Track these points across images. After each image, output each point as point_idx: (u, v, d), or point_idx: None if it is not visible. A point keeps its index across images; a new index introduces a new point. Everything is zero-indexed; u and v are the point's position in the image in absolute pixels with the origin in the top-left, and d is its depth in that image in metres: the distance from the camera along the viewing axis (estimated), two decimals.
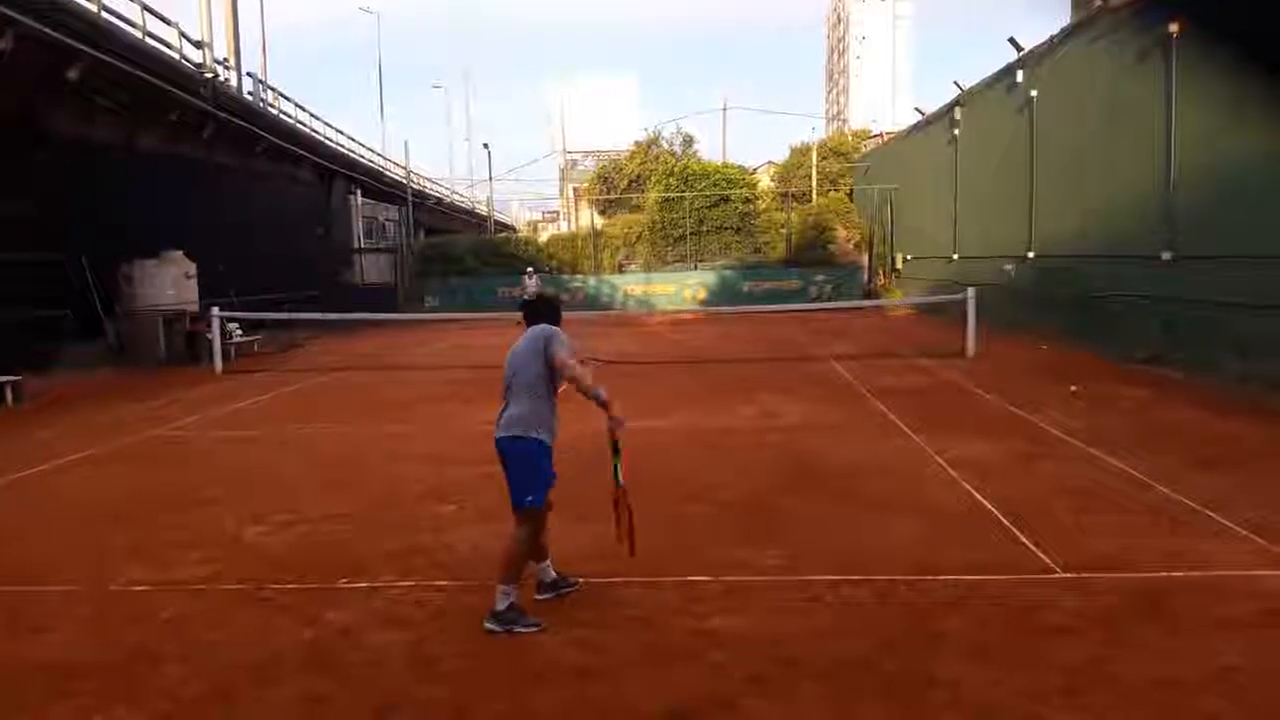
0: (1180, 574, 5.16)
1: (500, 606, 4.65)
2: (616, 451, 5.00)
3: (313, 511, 6.92)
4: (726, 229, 33.46)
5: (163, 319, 18.26)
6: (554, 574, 5.09)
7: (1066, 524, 6.14)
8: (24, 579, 5.62)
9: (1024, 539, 5.81)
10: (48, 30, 15.01)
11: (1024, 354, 15.72)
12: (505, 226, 61.55)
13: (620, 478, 5.00)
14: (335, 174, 33.94)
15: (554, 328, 4.92)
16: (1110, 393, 11.50)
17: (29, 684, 4.21)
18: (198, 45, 22.48)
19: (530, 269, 30.16)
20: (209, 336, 17.08)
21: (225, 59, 25.74)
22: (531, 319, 5.03)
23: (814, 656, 4.23)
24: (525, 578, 4.86)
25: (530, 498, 4.73)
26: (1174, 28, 13.06)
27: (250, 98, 26.83)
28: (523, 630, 4.61)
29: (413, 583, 5.34)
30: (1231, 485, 6.98)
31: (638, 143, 42.40)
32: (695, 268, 32.92)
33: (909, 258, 28.98)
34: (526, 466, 4.75)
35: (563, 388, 4.89)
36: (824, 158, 38.26)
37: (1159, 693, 3.84)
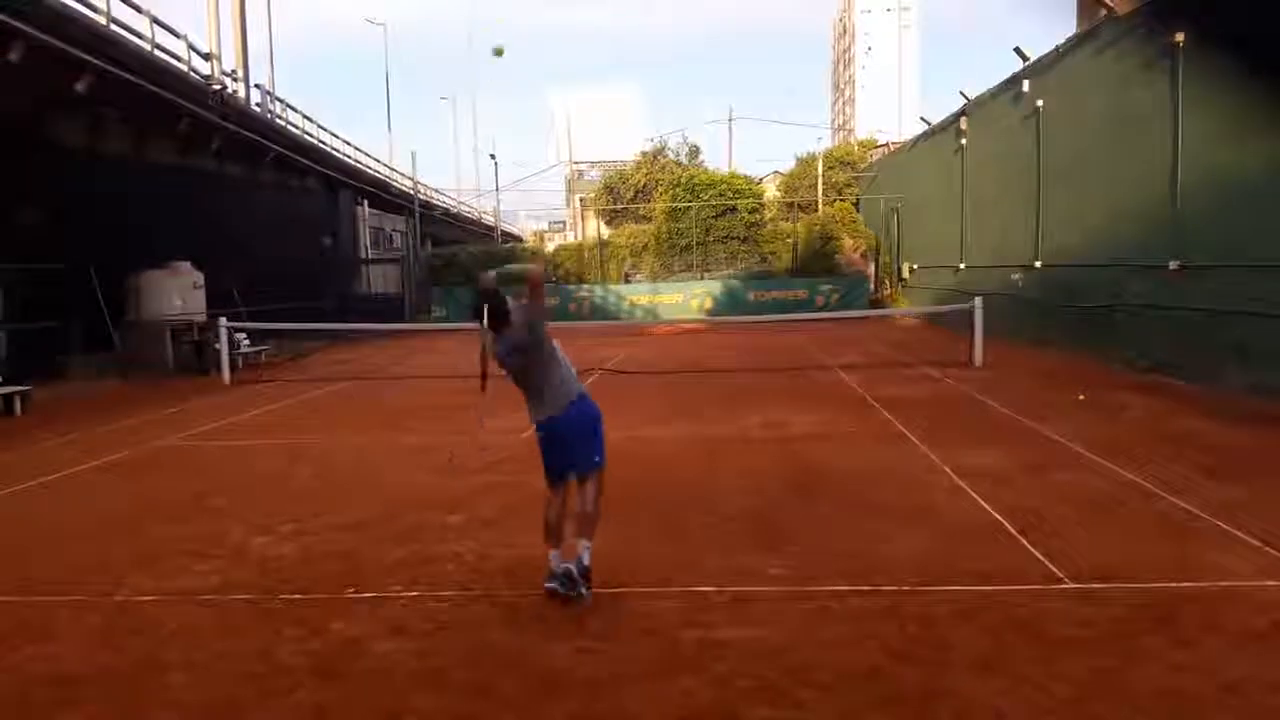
0: (1189, 584, 5.13)
1: (580, 566, 5.01)
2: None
3: (319, 521, 6.93)
4: (733, 239, 33.46)
5: (170, 329, 18.34)
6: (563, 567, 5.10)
7: (1074, 534, 6.11)
8: (30, 589, 5.63)
9: (1032, 549, 5.79)
10: (56, 42, 15.12)
11: (1031, 363, 15.69)
12: (512, 236, 61.69)
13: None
14: (342, 185, 34.08)
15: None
16: (1118, 401, 11.47)
17: (35, 694, 4.22)
18: (206, 57, 22.62)
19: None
20: (216, 347, 17.13)
21: (233, 70, 25.87)
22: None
23: (821, 667, 4.22)
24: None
25: (598, 458, 5.28)
26: (1179, 37, 13.05)
27: (258, 109, 26.96)
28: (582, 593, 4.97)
29: (419, 592, 5.34)
30: (1240, 495, 6.94)
31: (644, 153, 42.52)
32: (701, 277, 32.92)
33: (915, 267, 28.96)
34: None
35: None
36: (830, 167, 38.31)
37: (1168, 704, 3.81)
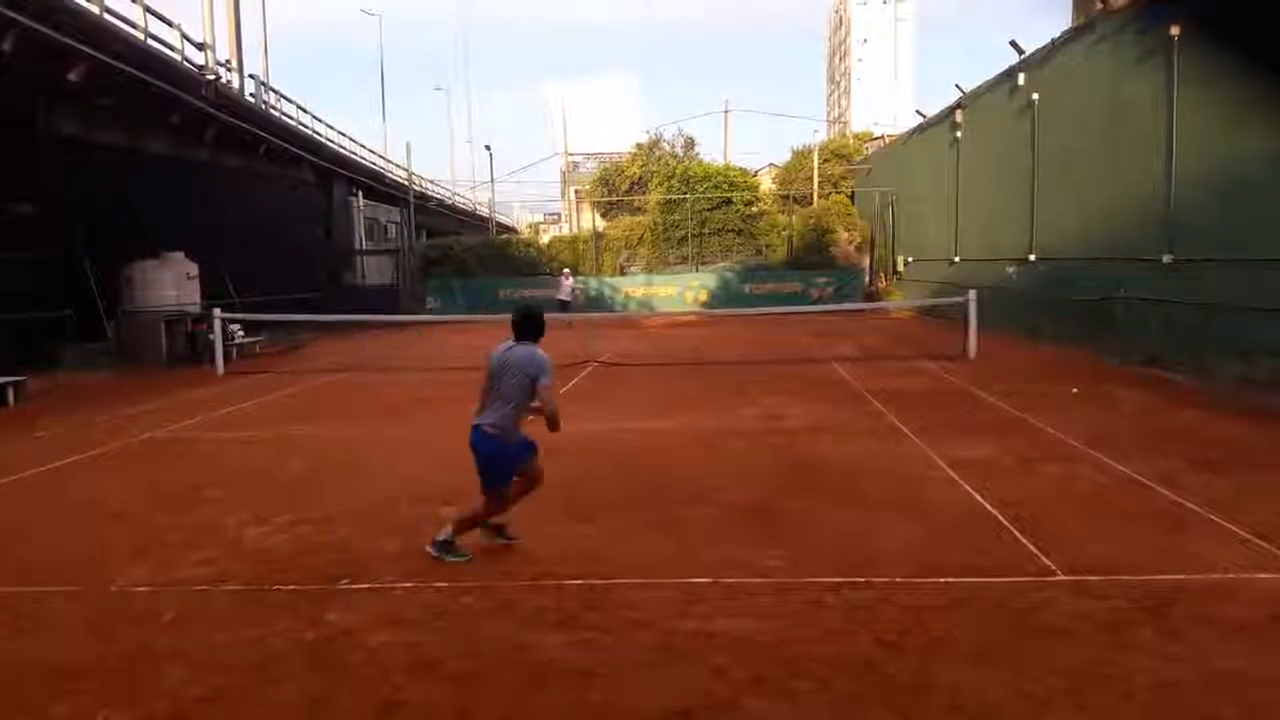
0: (1182, 577, 5.15)
1: (440, 537, 5.72)
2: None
3: (314, 512, 6.93)
4: (728, 231, 33.45)
5: (164, 320, 18.29)
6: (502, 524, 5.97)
7: (1068, 526, 6.13)
8: (26, 579, 5.62)
9: (1025, 541, 5.81)
10: (49, 31, 15.03)
11: (1025, 356, 15.72)
12: (507, 228, 61.63)
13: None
14: (336, 175, 33.98)
15: (546, 359, 5.66)
16: (1111, 395, 11.50)
17: (31, 684, 4.22)
18: (200, 47, 22.51)
19: (566, 270, 30.04)
20: (210, 337, 17.09)
21: (227, 60, 25.77)
22: (523, 334, 5.78)
23: (815, 659, 4.23)
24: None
25: (499, 484, 5.72)
26: (1175, 30, 13.06)
27: (252, 99, 26.85)
28: (451, 559, 5.64)
29: (413, 584, 5.34)
30: (1233, 488, 6.98)
31: (639, 145, 42.42)
32: (697, 270, 32.92)
33: (910, 260, 28.99)
34: (499, 463, 5.69)
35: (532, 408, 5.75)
36: (825, 160, 38.28)
37: (1160, 696, 3.83)
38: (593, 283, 32.64)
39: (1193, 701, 3.79)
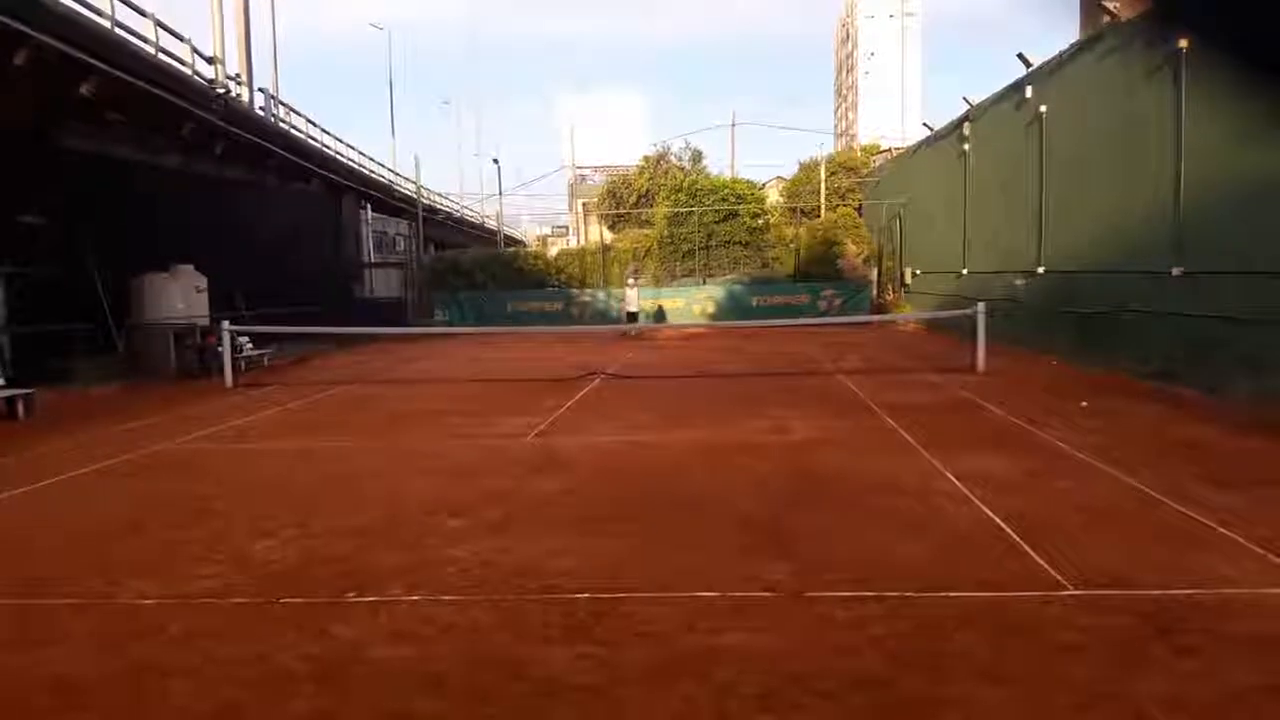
0: (1192, 592, 5.11)
1: None
2: None
3: (320, 525, 6.92)
4: (735, 244, 33.45)
5: (173, 333, 18.35)
6: None
7: (1077, 540, 6.09)
8: (31, 592, 5.63)
9: (1035, 555, 5.77)
10: (61, 45, 15.16)
11: (1034, 369, 15.67)
12: (514, 241, 61.80)
13: None
14: (346, 189, 34.11)
15: None
16: (1121, 408, 11.45)
17: (35, 698, 4.21)
18: (210, 61, 22.69)
19: (630, 279, 29.86)
20: (219, 350, 17.14)
21: (237, 74, 25.97)
22: None
23: (823, 674, 4.20)
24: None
25: None
26: (1183, 43, 13.05)
27: (262, 113, 27.02)
28: None
29: (419, 597, 5.33)
30: (1244, 502, 6.92)
31: (646, 158, 42.54)
32: (704, 282, 32.91)
33: (918, 272, 28.94)
34: None
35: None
36: (833, 173, 38.31)
37: (1170, 712, 3.79)
38: (600, 295, 32.67)
39: (1205, 718, 3.75)
